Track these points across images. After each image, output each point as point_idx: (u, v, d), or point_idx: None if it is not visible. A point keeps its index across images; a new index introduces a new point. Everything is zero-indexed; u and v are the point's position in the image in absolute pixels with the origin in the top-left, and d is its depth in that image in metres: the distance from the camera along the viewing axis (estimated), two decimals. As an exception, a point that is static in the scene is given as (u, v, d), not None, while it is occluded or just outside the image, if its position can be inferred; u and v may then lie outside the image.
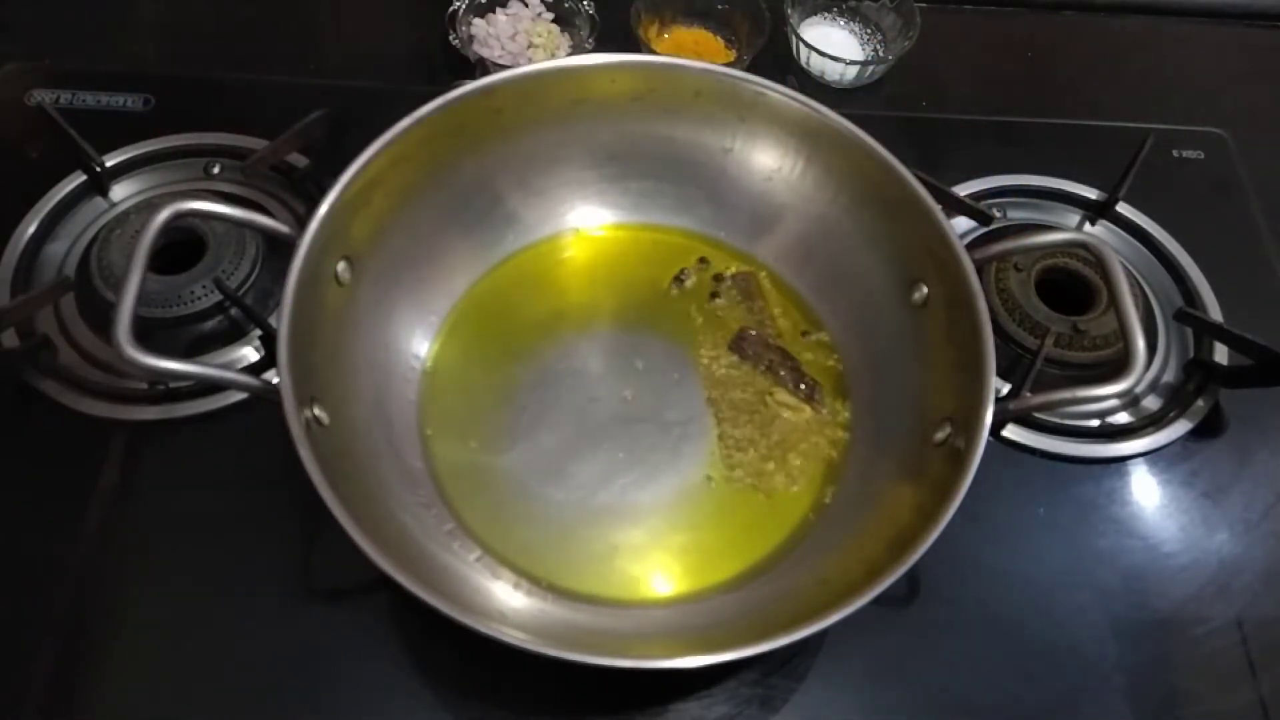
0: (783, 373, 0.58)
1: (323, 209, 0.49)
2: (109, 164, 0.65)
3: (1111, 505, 0.57)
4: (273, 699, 0.49)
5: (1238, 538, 0.57)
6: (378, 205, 0.53)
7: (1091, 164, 0.71)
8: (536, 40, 0.73)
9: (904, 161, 0.53)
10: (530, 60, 0.72)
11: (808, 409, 0.57)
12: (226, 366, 0.57)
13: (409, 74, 0.74)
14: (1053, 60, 0.81)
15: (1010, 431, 0.59)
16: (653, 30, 0.75)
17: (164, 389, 0.57)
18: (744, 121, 0.58)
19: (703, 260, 0.62)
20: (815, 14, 0.78)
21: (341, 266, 0.52)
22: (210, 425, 0.57)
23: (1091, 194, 0.70)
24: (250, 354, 0.59)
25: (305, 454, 0.42)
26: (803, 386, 0.57)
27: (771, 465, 0.55)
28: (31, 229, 0.63)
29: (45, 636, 0.50)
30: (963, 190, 0.68)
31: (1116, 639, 0.53)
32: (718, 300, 0.61)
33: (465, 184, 0.58)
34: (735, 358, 0.58)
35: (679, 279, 0.62)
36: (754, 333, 0.59)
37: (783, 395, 0.57)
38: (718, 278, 0.61)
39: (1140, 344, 0.47)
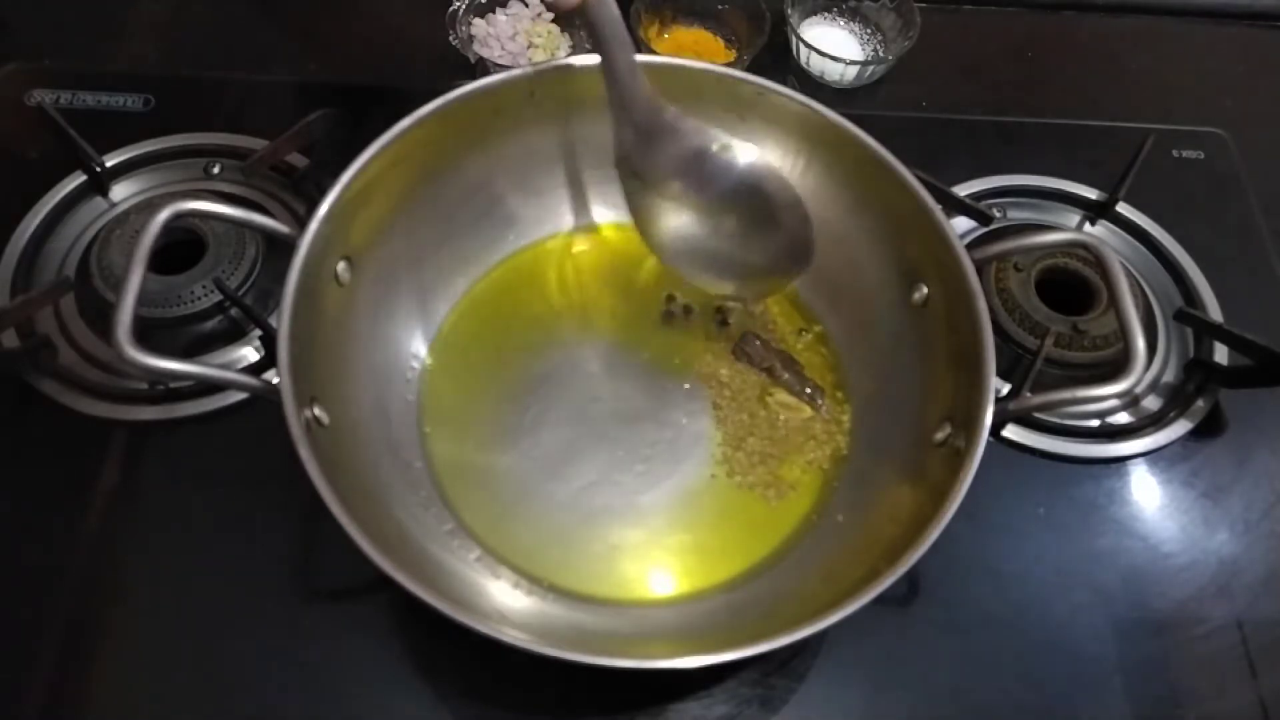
0: (786, 376, 0.57)
1: (323, 209, 0.49)
2: (109, 164, 0.65)
3: (1111, 505, 0.57)
4: (273, 699, 0.49)
5: (1238, 538, 0.57)
6: (378, 205, 0.53)
7: (1091, 164, 0.71)
8: (536, 40, 0.73)
9: (904, 161, 0.53)
10: (530, 60, 0.72)
11: (808, 409, 0.57)
12: (226, 366, 0.57)
13: (409, 74, 0.74)
14: (1053, 60, 0.81)
15: (1010, 431, 0.59)
16: (653, 30, 0.75)
17: (164, 389, 0.57)
18: (744, 121, 0.58)
19: (703, 260, 0.62)
20: (815, 14, 0.78)
21: (341, 266, 0.52)
22: (210, 425, 0.57)
23: (1091, 194, 0.70)
24: (250, 354, 0.59)
25: (305, 454, 0.42)
26: (807, 391, 0.57)
27: (772, 465, 0.55)
28: (31, 229, 0.63)
29: (45, 636, 0.50)
30: (963, 190, 0.68)
31: (1116, 639, 0.53)
32: (717, 300, 0.61)
33: (465, 184, 0.58)
34: (737, 362, 0.58)
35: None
36: (757, 338, 0.59)
37: (783, 396, 0.57)
38: (718, 278, 0.61)
39: (1140, 344, 0.47)
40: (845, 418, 0.57)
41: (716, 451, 0.56)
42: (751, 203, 0.53)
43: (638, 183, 0.55)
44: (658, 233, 0.56)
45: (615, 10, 0.50)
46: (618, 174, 0.56)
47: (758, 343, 0.59)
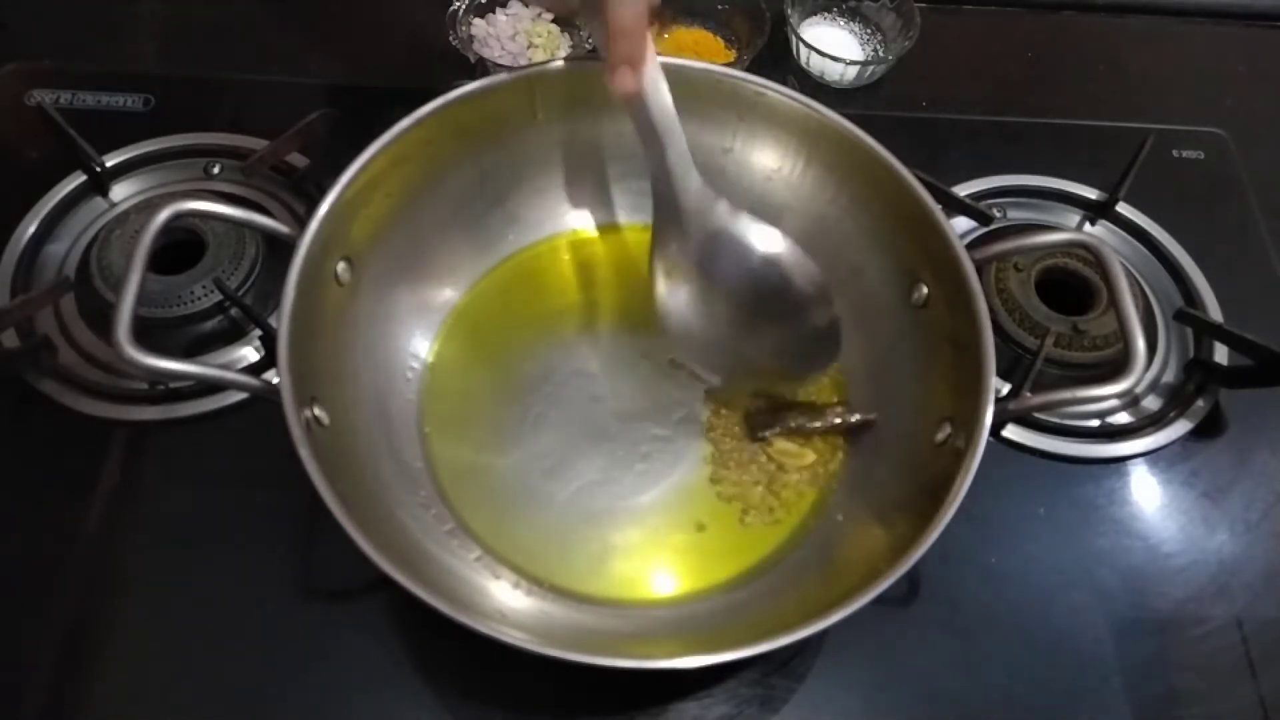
0: (815, 425, 0.56)
1: (323, 209, 0.49)
2: (109, 164, 0.65)
3: (1111, 505, 0.57)
4: (272, 699, 0.49)
5: (1238, 538, 0.57)
6: (378, 205, 0.53)
7: (1091, 164, 0.71)
8: (536, 40, 0.73)
9: (904, 161, 0.53)
10: (530, 60, 0.72)
11: (810, 455, 0.55)
12: (226, 366, 0.57)
13: (409, 74, 0.74)
14: (1053, 60, 0.81)
15: (1010, 431, 0.59)
16: (652, 30, 0.75)
17: (164, 389, 0.57)
18: (744, 121, 0.58)
19: (703, 260, 0.62)
20: (815, 14, 0.78)
21: (341, 266, 0.52)
22: (210, 425, 0.57)
23: (1091, 194, 0.70)
24: (250, 354, 0.59)
25: (305, 454, 0.42)
26: (828, 422, 0.56)
27: (772, 465, 0.55)
28: (31, 229, 0.63)
29: (45, 636, 0.50)
30: (963, 190, 0.68)
31: (1116, 639, 0.53)
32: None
33: (465, 184, 0.58)
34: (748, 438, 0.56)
35: (679, 279, 0.61)
36: (765, 399, 0.57)
37: (782, 444, 0.55)
38: (718, 278, 0.61)
39: (1140, 344, 0.47)
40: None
41: (717, 452, 0.55)
42: (791, 302, 0.52)
43: (677, 279, 0.53)
44: (690, 331, 0.54)
45: (669, 99, 0.49)
46: (650, 270, 0.54)
47: (765, 403, 0.56)
